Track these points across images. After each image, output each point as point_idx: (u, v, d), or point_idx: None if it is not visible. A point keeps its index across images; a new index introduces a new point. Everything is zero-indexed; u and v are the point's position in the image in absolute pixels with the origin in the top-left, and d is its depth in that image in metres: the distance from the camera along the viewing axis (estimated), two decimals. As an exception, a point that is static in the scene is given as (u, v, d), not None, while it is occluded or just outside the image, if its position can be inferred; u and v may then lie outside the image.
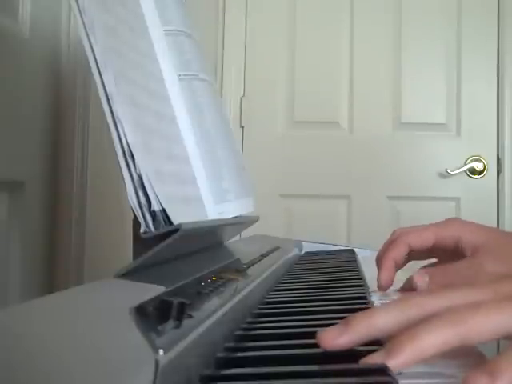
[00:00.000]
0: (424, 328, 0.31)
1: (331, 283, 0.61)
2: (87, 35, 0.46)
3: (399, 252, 0.56)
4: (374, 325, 0.33)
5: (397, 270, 0.57)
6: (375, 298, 0.54)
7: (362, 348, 0.33)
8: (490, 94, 1.85)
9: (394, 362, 0.30)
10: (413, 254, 0.58)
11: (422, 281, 0.51)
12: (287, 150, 1.90)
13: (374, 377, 0.29)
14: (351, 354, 0.33)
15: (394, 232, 0.58)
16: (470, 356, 0.36)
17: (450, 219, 0.57)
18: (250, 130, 1.90)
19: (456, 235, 0.55)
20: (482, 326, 0.31)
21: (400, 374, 0.31)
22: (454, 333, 0.31)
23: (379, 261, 0.57)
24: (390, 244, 0.57)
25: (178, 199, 0.53)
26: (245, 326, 0.43)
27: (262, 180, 1.82)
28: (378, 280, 0.55)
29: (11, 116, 1.41)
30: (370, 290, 0.57)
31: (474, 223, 0.56)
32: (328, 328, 0.33)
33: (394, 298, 0.53)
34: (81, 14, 0.46)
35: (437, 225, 0.57)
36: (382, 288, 0.55)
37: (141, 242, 0.46)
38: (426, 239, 0.56)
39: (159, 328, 0.29)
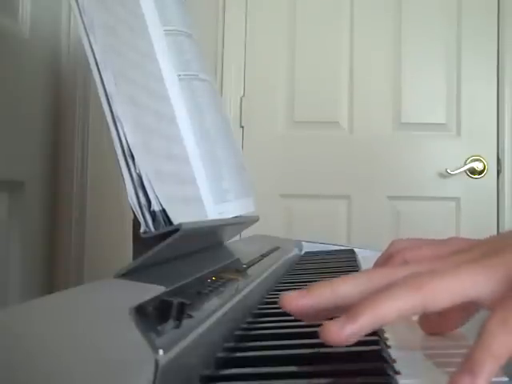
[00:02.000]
0: (383, 294, 0.32)
1: (331, 283, 0.61)
2: (87, 35, 0.46)
3: None
4: (335, 291, 0.34)
5: None
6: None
7: (361, 348, 0.33)
8: (489, 94, 1.85)
9: (353, 326, 0.30)
10: None
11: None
12: (287, 150, 1.90)
13: (374, 377, 0.29)
14: (351, 354, 0.33)
15: (393, 244, 0.57)
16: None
17: (450, 238, 0.56)
18: (250, 130, 1.90)
19: None
20: (439, 290, 0.32)
21: (400, 374, 0.31)
22: (411, 298, 0.31)
23: None
24: (387, 259, 0.56)
25: (177, 199, 0.53)
26: (245, 326, 0.43)
27: (262, 180, 1.82)
28: None
29: (11, 116, 1.41)
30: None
31: (476, 241, 0.55)
32: (289, 292, 0.34)
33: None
34: (81, 14, 0.46)
35: (437, 244, 0.55)
36: None
37: (141, 242, 0.46)
38: (425, 258, 0.55)
39: (159, 328, 0.29)
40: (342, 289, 0.34)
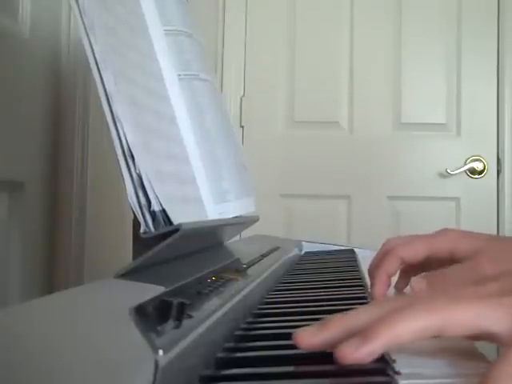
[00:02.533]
0: (399, 315, 0.31)
1: (331, 283, 0.61)
2: (87, 35, 0.46)
3: (392, 266, 0.55)
4: (349, 325, 0.33)
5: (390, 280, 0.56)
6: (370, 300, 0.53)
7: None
8: (490, 94, 1.85)
9: (369, 347, 0.30)
10: (406, 267, 0.57)
11: (418, 287, 0.50)
12: (287, 150, 1.90)
13: (374, 377, 0.29)
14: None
15: (386, 242, 0.57)
16: (470, 356, 0.36)
17: (442, 230, 0.56)
18: (250, 130, 1.90)
19: (450, 246, 0.54)
20: (458, 317, 0.31)
21: (400, 374, 0.31)
22: (429, 320, 0.31)
23: (372, 274, 0.56)
24: (382, 257, 0.56)
25: (177, 199, 0.53)
26: (245, 326, 0.43)
27: (262, 180, 1.82)
28: (372, 293, 0.55)
29: (11, 116, 1.41)
30: (369, 290, 0.57)
31: (467, 232, 0.56)
32: (303, 328, 0.33)
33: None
34: (81, 14, 0.46)
35: (430, 237, 0.56)
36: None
37: (141, 242, 0.46)
38: (419, 252, 0.55)
39: (159, 328, 0.29)
40: (352, 320, 0.33)
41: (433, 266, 0.57)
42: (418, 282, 0.51)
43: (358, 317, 0.33)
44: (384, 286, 0.54)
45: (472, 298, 0.32)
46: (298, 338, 0.33)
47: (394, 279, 0.57)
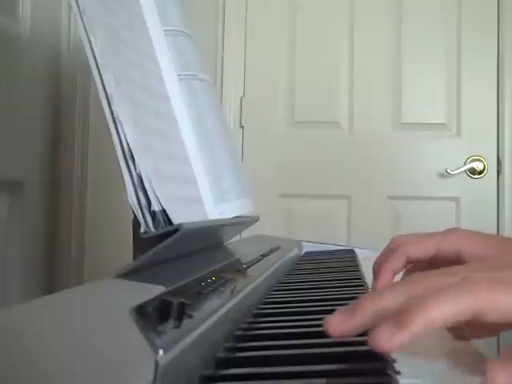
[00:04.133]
0: (436, 297, 0.29)
1: (331, 283, 0.61)
2: (87, 35, 0.46)
3: (397, 264, 0.54)
4: (380, 307, 0.32)
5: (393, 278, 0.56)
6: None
7: (361, 348, 0.33)
8: (490, 94, 1.85)
9: (403, 335, 0.28)
10: (412, 266, 0.57)
11: None
12: (287, 150, 1.90)
13: (374, 377, 0.29)
14: (351, 354, 0.33)
15: (393, 240, 0.56)
16: (469, 356, 0.36)
17: (450, 229, 0.55)
18: (250, 130, 1.90)
19: (457, 247, 0.53)
20: (498, 302, 0.30)
21: (400, 374, 0.31)
22: (466, 304, 0.29)
23: (376, 270, 0.56)
24: (388, 254, 0.55)
25: (177, 199, 0.53)
26: (245, 326, 0.42)
27: (261, 180, 1.82)
28: (373, 290, 0.54)
29: (11, 116, 1.41)
30: (369, 290, 0.57)
31: (476, 233, 0.55)
32: (333, 315, 0.32)
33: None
34: (81, 14, 0.46)
35: (437, 236, 0.55)
36: None
37: (141, 242, 0.46)
38: (425, 251, 0.54)
39: (159, 328, 0.29)
40: (383, 304, 0.32)
41: (439, 265, 0.56)
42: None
43: (388, 298, 0.32)
44: (387, 283, 0.54)
45: (504, 282, 0.30)
46: (329, 325, 0.32)
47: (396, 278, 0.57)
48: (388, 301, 0.32)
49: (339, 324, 0.32)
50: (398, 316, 0.29)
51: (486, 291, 0.30)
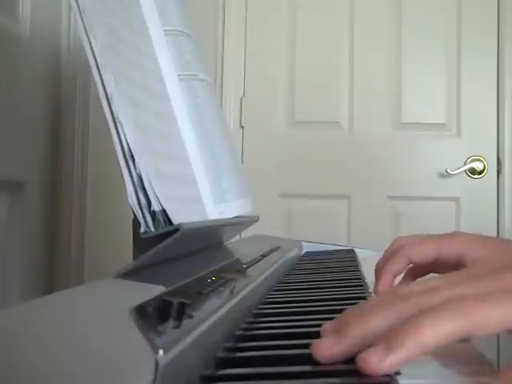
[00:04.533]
0: (426, 319, 0.29)
1: (331, 283, 0.61)
2: (87, 35, 0.46)
3: (399, 266, 0.54)
4: (368, 331, 0.31)
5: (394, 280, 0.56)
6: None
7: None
8: (490, 94, 1.85)
9: (394, 358, 0.28)
10: (412, 268, 0.57)
11: None
12: (287, 150, 1.90)
13: (374, 377, 0.29)
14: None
15: (395, 241, 0.56)
16: (470, 356, 0.36)
17: (453, 233, 0.55)
18: (250, 130, 1.90)
19: (459, 250, 0.53)
20: (488, 317, 0.29)
21: (399, 374, 0.31)
22: (458, 324, 0.29)
23: (378, 272, 0.56)
24: (389, 256, 0.55)
25: (177, 199, 0.53)
26: (245, 326, 0.42)
27: (261, 180, 1.82)
28: (375, 292, 0.55)
29: (11, 116, 1.41)
30: (369, 290, 0.57)
31: (477, 236, 0.54)
32: (320, 338, 0.32)
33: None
34: (81, 14, 0.46)
35: (439, 238, 0.55)
36: None
37: (141, 242, 0.46)
38: (427, 254, 0.54)
39: (159, 328, 0.29)
40: (372, 324, 0.31)
41: (440, 268, 0.56)
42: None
43: (377, 319, 0.31)
44: (388, 285, 0.54)
45: (498, 295, 0.30)
46: (317, 350, 0.31)
47: (398, 279, 0.57)
48: (377, 322, 0.31)
49: (327, 349, 0.31)
50: (389, 338, 0.29)
51: (475, 309, 0.29)
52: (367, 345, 0.31)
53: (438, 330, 0.29)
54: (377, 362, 0.28)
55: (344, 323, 0.32)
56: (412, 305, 0.31)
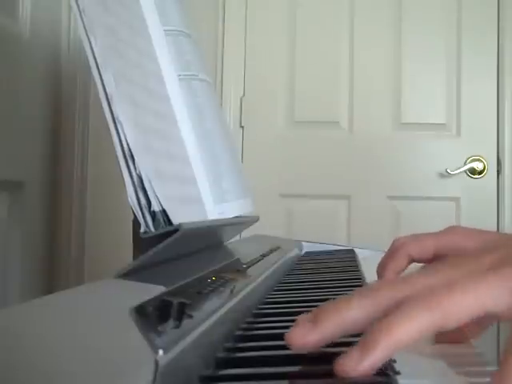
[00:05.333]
0: (396, 318, 0.29)
1: (331, 283, 0.61)
2: (87, 35, 0.46)
3: (400, 264, 0.55)
4: (343, 320, 0.31)
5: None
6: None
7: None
8: (490, 94, 1.85)
9: (370, 360, 0.28)
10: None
11: None
12: (287, 150, 1.90)
13: (374, 376, 0.29)
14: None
15: (395, 241, 0.57)
16: (469, 356, 0.36)
17: (451, 227, 0.56)
18: (250, 130, 1.90)
19: (457, 243, 0.54)
20: (459, 307, 0.29)
21: (399, 373, 0.31)
22: (429, 318, 0.29)
23: (380, 272, 0.56)
24: (390, 255, 0.56)
25: (177, 199, 0.53)
26: (245, 326, 0.42)
27: (261, 180, 1.82)
28: None
29: (11, 116, 1.41)
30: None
31: (475, 230, 0.55)
32: (294, 326, 0.32)
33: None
34: (81, 14, 0.46)
35: (437, 234, 0.55)
36: None
37: (141, 242, 0.46)
38: (426, 249, 0.55)
39: (159, 328, 0.29)
40: (348, 315, 0.31)
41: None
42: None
43: (350, 312, 0.31)
44: None
45: (466, 281, 0.30)
46: (290, 339, 0.31)
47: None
48: (351, 312, 0.31)
49: (301, 337, 0.31)
50: (363, 341, 0.29)
51: (444, 300, 0.29)
52: (340, 334, 0.31)
53: (410, 327, 0.29)
54: (354, 365, 0.28)
55: (320, 311, 0.32)
56: (386, 295, 0.31)
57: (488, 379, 0.28)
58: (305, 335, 0.31)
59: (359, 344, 0.29)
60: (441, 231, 0.55)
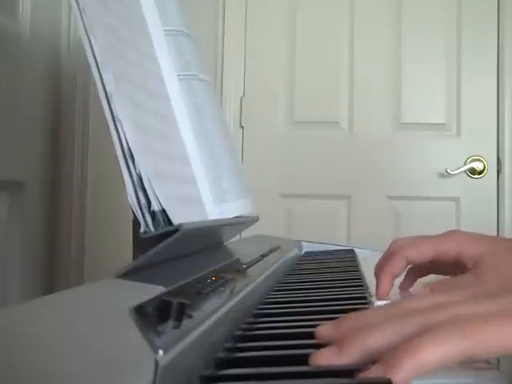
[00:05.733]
0: (426, 339, 0.28)
1: (331, 283, 0.61)
2: (87, 35, 0.46)
3: (397, 267, 0.55)
4: (370, 346, 0.31)
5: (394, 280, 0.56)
6: (375, 299, 0.54)
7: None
8: (490, 94, 1.85)
9: (393, 378, 0.27)
10: (412, 268, 0.57)
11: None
12: (287, 150, 1.90)
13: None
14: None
15: (393, 243, 0.57)
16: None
17: (450, 232, 0.56)
18: (250, 130, 1.90)
19: (456, 249, 0.53)
20: (491, 339, 0.29)
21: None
22: (459, 346, 0.28)
23: (377, 273, 0.56)
24: (388, 257, 0.56)
25: (177, 199, 0.53)
26: (245, 326, 0.42)
27: (261, 180, 1.82)
28: (376, 293, 0.55)
29: (11, 116, 1.41)
30: (369, 290, 0.57)
31: (474, 234, 0.55)
32: (321, 350, 0.31)
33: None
34: (81, 14, 0.46)
35: (436, 238, 0.55)
36: (380, 299, 0.55)
37: (141, 242, 0.46)
38: (425, 253, 0.55)
39: (159, 328, 0.29)
40: (376, 340, 0.31)
41: (439, 267, 0.57)
42: (422, 291, 0.50)
43: (378, 336, 0.31)
44: (388, 286, 0.54)
45: (501, 315, 0.30)
46: (316, 360, 0.31)
47: (399, 280, 0.57)
48: (378, 339, 0.31)
49: (326, 361, 0.31)
50: (388, 358, 0.28)
51: (478, 330, 0.29)
52: (366, 359, 0.30)
53: (438, 351, 0.28)
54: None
55: (344, 335, 0.32)
56: (415, 322, 0.31)
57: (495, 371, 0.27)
58: (330, 359, 0.31)
59: (382, 362, 0.28)
60: (440, 235, 0.55)
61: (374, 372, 0.28)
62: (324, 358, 0.31)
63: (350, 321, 0.33)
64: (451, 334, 0.28)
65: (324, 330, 0.33)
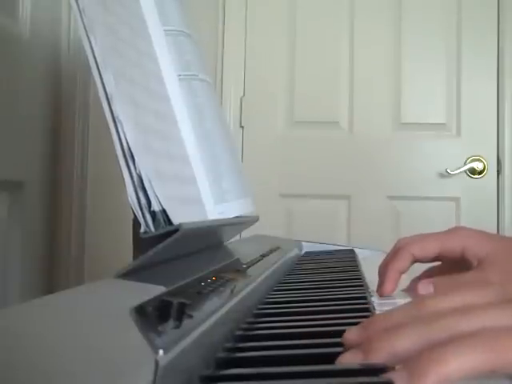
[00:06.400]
0: (452, 350, 0.28)
1: (331, 283, 0.61)
2: (87, 35, 0.46)
3: (403, 263, 0.55)
4: (396, 351, 0.30)
5: (400, 277, 0.56)
6: (375, 299, 0.54)
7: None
8: (490, 94, 1.85)
9: None
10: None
11: (426, 291, 0.50)
12: (287, 150, 1.90)
13: (374, 377, 0.29)
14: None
15: (399, 241, 0.57)
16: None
17: (455, 228, 0.56)
18: (250, 130, 1.90)
19: (461, 245, 0.53)
20: None
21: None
22: (486, 359, 0.28)
23: (383, 271, 0.56)
24: (394, 254, 0.56)
25: (177, 199, 0.53)
26: (245, 326, 0.42)
27: (261, 180, 1.82)
28: (381, 290, 0.55)
29: (11, 116, 1.41)
30: (369, 290, 0.57)
31: (479, 232, 0.55)
32: (347, 352, 0.31)
33: (395, 300, 0.53)
34: (81, 14, 0.46)
35: (441, 234, 0.55)
36: (383, 296, 0.55)
37: (141, 242, 0.46)
38: (430, 250, 0.55)
39: (159, 328, 0.29)
40: (402, 345, 0.30)
41: (444, 263, 0.57)
42: (425, 286, 0.50)
43: (403, 341, 0.30)
44: (393, 282, 0.54)
45: None
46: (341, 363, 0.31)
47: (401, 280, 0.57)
48: (405, 345, 0.30)
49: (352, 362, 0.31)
50: (413, 365, 0.28)
51: (504, 346, 0.28)
52: (392, 363, 0.30)
53: (464, 362, 0.28)
54: None
55: (371, 340, 0.31)
56: (442, 328, 0.31)
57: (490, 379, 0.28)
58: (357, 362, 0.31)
59: (406, 369, 0.28)
60: (445, 232, 0.55)
61: (397, 378, 0.28)
62: (348, 361, 0.31)
63: (376, 323, 0.33)
64: (479, 346, 0.28)
65: (351, 334, 0.33)
